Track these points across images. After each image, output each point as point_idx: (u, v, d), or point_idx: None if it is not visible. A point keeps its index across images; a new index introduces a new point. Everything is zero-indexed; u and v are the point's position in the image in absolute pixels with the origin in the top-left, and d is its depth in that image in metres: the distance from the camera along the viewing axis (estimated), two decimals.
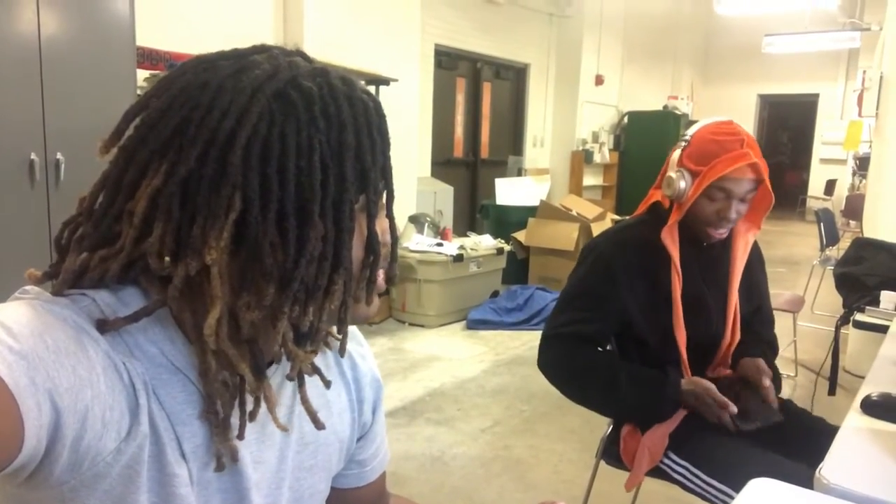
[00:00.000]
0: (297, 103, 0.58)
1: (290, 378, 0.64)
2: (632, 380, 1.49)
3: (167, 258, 0.58)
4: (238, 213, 0.56)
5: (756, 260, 1.67)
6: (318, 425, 0.68)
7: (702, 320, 1.54)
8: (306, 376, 0.69)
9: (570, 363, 1.55)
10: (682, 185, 1.46)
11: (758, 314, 1.69)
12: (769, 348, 1.67)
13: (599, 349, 1.56)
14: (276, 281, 0.57)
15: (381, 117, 0.63)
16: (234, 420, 0.63)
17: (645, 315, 1.52)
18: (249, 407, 0.63)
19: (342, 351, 0.70)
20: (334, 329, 0.69)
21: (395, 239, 0.68)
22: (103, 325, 0.57)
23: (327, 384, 0.72)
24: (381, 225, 0.65)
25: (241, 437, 0.63)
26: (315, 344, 0.64)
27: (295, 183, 0.57)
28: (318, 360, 0.72)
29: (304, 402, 0.68)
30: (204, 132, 0.56)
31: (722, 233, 1.49)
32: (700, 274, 1.55)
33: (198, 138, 0.56)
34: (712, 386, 1.46)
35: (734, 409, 1.43)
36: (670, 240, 1.49)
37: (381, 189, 0.64)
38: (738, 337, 1.59)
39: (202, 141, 0.56)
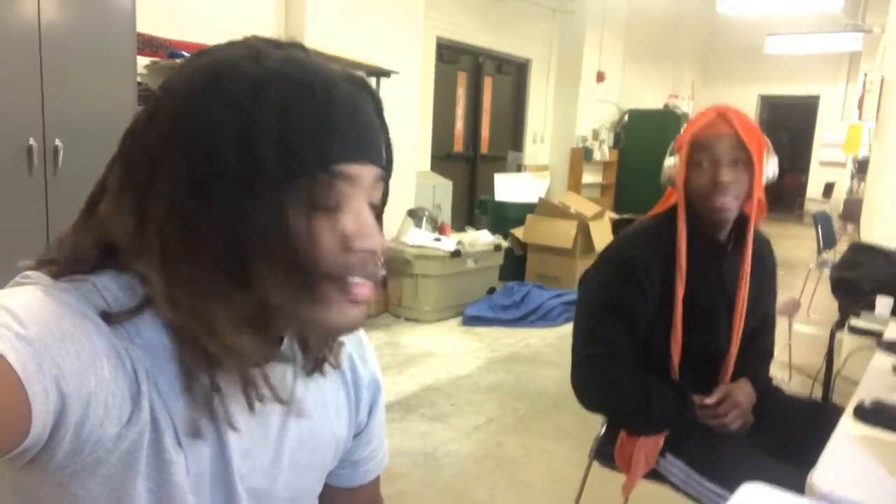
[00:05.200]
0: (226, 84, 0.57)
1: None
2: (661, 404, 1.48)
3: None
4: (144, 183, 0.58)
5: (770, 267, 1.63)
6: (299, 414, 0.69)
7: (711, 332, 1.52)
8: (306, 372, 0.69)
9: (607, 390, 1.51)
10: (672, 162, 1.49)
11: (763, 323, 1.67)
12: (767, 357, 1.68)
13: (632, 370, 1.49)
14: (184, 255, 0.57)
15: (331, 103, 0.58)
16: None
17: (657, 318, 1.50)
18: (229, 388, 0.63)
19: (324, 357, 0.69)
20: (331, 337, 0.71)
21: (346, 244, 0.60)
22: (108, 318, 0.57)
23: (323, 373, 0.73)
24: (322, 222, 0.58)
25: (208, 410, 0.61)
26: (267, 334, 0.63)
27: (201, 159, 0.56)
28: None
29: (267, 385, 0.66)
30: (149, 111, 0.60)
31: (723, 202, 1.43)
32: (713, 283, 1.51)
33: (143, 117, 0.60)
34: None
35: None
36: (680, 236, 1.47)
37: (317, 178, 0.57)
38: (736, 347, 1.56)
39: (142, 119, 0.60)
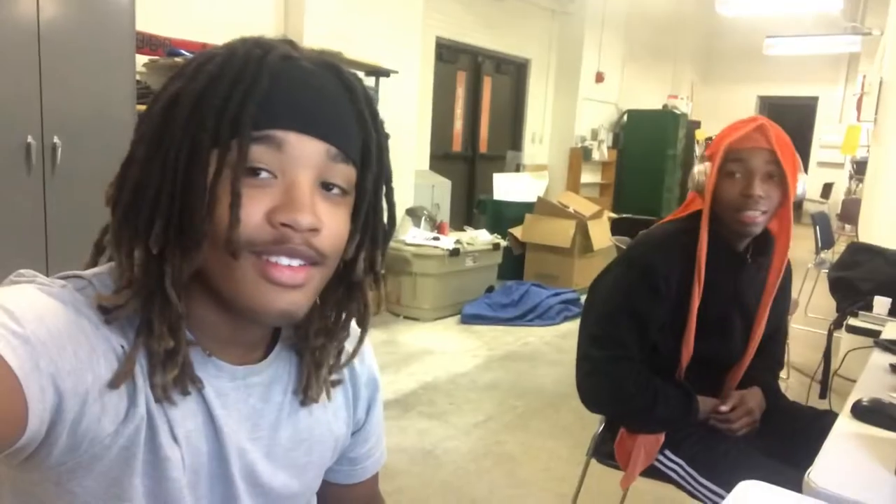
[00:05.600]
0: (189, 63, 0.60)
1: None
2: (666, 406, 1.48)
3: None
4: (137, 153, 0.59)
5: (787, 279, 1.62)
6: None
7: (723, 340, 1.52)
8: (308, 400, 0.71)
9: (616, 392, 1.50)
10: (702, 169, 1.47)
11: (775, 333, 1.66)
12: (777, 367, 1.69)
13: (638, 373, 1.48)
14: (112, 213, 0.60)
15: (259, 70, 0.56)
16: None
17: (669, 322, 1.49)
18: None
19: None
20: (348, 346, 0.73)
21: (268, 216, 0.57)
22: (107, 314, 0.57)
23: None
24: (246, 191, 0.56)
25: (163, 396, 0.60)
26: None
27: (152, 125, 0.59)
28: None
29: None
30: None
31: (752, 216, 1.41)
32: (733, 293, 1.51)
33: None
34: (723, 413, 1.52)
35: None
36: (702, 244, 1.45)
37: (242, 144, 0.55)
38: (750, 357, 1.55)
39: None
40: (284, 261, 0.57)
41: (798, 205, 11.13)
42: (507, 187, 6.13)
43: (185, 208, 0.56)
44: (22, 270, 0.59)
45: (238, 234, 0.55)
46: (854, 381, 1.49)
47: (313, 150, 0.58)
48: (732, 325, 1.52)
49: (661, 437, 1.51)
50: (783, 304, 1.66)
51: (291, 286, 0.58)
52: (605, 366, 1.49)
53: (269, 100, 0.56)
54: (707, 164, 1.47)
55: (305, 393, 0.71)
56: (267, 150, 0.56)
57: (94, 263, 0.64)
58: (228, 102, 0.55)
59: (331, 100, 0.60)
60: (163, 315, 0.58)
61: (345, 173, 0.61)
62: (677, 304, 1.47)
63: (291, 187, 0.57)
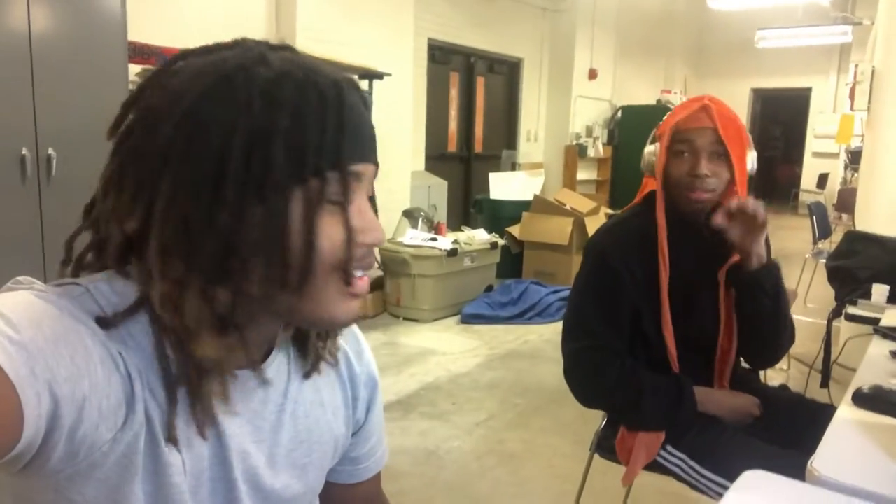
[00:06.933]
0: (238, 86, 0.57)
1: (306, 376, 0.67)
2: (654, 396, 1.48)
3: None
4: (147, 182, 0.57)
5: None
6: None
7: (692, 316, 1.52)
8: (303, 374, 0.70)
9: (596, 383, 1.52)
10: (652, 150, 1.50)
11: None
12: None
13: (621, 361, 1.50)
14: (181, 255, 0.57)
15: (342, 105, 0.59)
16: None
17: (646, 307, 1.50)
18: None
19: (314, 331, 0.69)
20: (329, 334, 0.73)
21: (351, 238, 0.61)
22: (104, 323, 0.57)
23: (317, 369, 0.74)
24: (328, 218, 0.59)
25: (192, 416, 0.61)
26: (242, 332, 0.62)
27: (214, 160, 0.56)
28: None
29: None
30: (149, 109, 0.59)
31: (700, 195, 1.44)
32: (694, 264, 1.52)
33: (143, 116, 0.60)
34: (729, 403, 1.51)
35: (756, 411, 1.49)
36: (660, 224, 1.48)
37: (327, 178, 0.58)
38: (734, 342, 1.54)
39: (143, 117, 0.60)
40: (360, 273, 0.63)
41: (794, 196, 11.07)
42: (503, 186, 6.13)
43: (276, 244, 0.57)
44: (19, 278, 0.58)
45: (334, 259, 0.60)
46: (854, 370, 1.49)
47: (370, 173, 0.63)
48: (701, 300, 1.52)
49: (662, 435, 1.51)
50: None
51: (364, 293, 0.64)
52: (581, 357, 1.53)
53: (348, 135, 0.60)
54: (657, 144, 1.50)
55: (308, 367, 0.73)
56: (351, 182, 0.61)
57: (75, 273, 0.63)
58: (321, 142, 0.58)
59: (368, 120, 0.64)
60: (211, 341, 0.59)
61: (373, 184, 0.66)
62: (646, 289, 1.48)
63: (363, 211, 0.62)
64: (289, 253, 0.57)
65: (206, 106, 0.57)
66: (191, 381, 0.59)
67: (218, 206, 0.56)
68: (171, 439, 0.59)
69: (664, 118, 1.54)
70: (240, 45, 0.62)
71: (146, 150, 0.58)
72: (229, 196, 0.56)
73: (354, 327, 0.77)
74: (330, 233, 0.59)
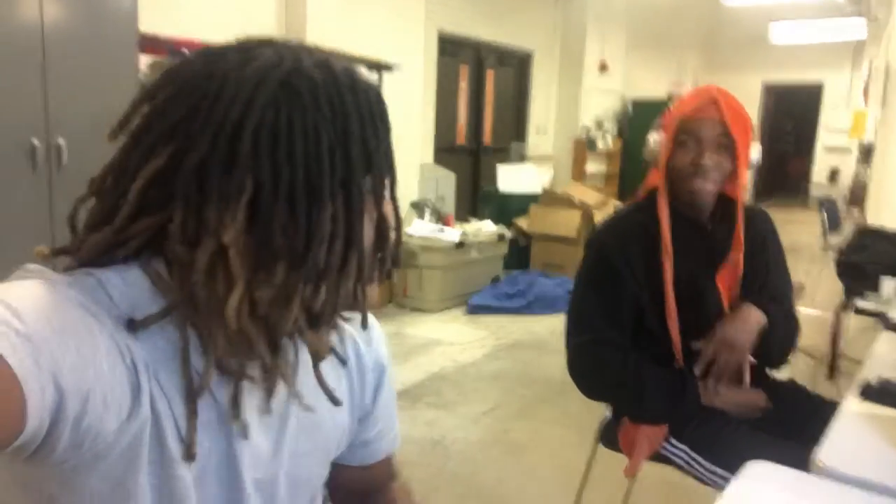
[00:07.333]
0: (302, 91, 0.59)
1: (317, 360, 0.69)
2: (656, 389, 1.48)
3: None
4: (250, 194, 0.57)
5: (764, 240, 1.59)
6: (336, 402, 0.72)
7: (697, 308, 1.51)
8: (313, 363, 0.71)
9: (599, 377, 1.53)
10: (657, 139, 1.50)
11: (763, 290, 1.57)
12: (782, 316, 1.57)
13: (623, 355, 1.50)
14: (286, 260, 0.59)
15: (382, 105, 0.65)
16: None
17: (649, 302, 1.50)
18: (252, 388, 0.66)
19: (364, 323, 0.72)
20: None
21: (399, 223, 0.69)
22: (134, 326, 0.58)
23: (343, 362, 0.77)
24: (387, 208, 0.67)
25: (235, 415, 0.64)
26: (327, 326, 0.67)
27: (304, 166, 0.58)
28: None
29: (321, 383, 0.70)
30: (213, 120, 0.58)
31: (700, 185, 1.45)
32: (696, 258, 1.52)
33: (207, 126, 0.58)
34: (735, 397, 1.51)
35: (762, 403, 1.51)
36: (662, 216, 1.48)
37: (385, 173, 0.65)
38: None
39: (212, 129, 0.58)
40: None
41: (805, 190, 10.96)
42: (511, 178, 6.12)
43: (360, 239, 0.63)
44: (29, 265, 0.58)
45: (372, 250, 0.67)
46: (861, 363, 1.49)
47: None
48: (706, 293, 1.52)
49: (665, 427, 1.51)
50: (768, 265, 1.59)
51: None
52: (584, 351, 1.53)
53: (389, 136, 0.67)
54: (662, 133, 1.50)
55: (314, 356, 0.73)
56: (392, 178, 0.68)
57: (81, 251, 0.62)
58: (379, 143, 0.64)
59: None
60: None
61: None
62: (648, 282, 1.48)
63: (391, 205, 0.68)
64: (386, 244, 0.66)
65: (276, 113, 0.58)
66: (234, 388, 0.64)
67: (317, 207, 0.59)
68: (190, 456, 0.61)
69: (671, 108, 1.54)
70: (271, 44, 0.63)
71: (220, 159, 0.58)
72: (325, 197, 0.59)
73: (370, 316, 0.78)
74: (378, 224, 0.67)
